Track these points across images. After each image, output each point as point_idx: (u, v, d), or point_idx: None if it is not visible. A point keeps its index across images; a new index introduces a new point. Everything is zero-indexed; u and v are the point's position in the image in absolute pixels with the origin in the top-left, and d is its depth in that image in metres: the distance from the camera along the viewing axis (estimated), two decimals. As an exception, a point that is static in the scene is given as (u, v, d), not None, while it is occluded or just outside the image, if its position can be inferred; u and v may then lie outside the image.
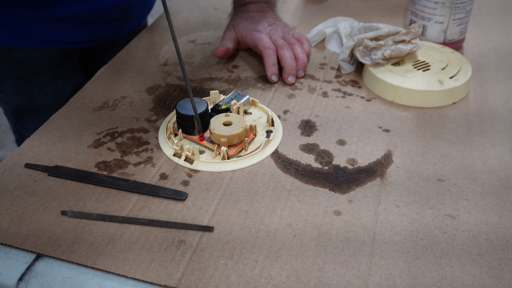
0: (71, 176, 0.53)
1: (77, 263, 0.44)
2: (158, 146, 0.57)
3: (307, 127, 0.61)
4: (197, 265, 0.44)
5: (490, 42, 0.79)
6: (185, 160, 0.55)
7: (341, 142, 0.58)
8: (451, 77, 0.65)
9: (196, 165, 0.54)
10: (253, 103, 0.64)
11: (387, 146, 0.57)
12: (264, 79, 0.70)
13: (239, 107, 0.60)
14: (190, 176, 0.53)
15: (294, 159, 0.56)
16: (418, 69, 0.66)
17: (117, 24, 0.80)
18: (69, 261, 0.44)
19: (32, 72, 0.76)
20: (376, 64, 0.68)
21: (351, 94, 0.67)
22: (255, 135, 0.58)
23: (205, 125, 0.58)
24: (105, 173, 0.53)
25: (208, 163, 0.54)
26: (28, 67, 0.76)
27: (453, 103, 0.65)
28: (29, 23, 0.71)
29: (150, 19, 0.96)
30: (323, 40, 0.79)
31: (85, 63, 0.87)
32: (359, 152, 0.57)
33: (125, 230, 0.47)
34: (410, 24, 0.78)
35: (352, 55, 0.71)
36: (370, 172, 0.54)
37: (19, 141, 0.89)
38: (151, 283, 0.42)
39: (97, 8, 0.73)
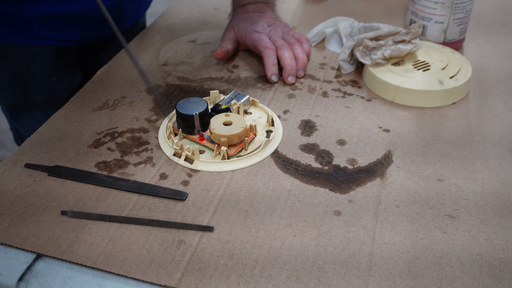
0: (71, 176, 0.53)
1: (77, 263, 0.44)
2: (158, 146, 0.57)
3: (307, 127, 0.61)
4: (197, 265, 0.44)
5: (490, 42, 0.79)
6: (185, 160, 0.55)
7: (341, 142, 0.58)
8: (451, 77, 0.65)
9: (196, 165, 0.54)
10: (253, 103, 0.64)
11: (387, 146, 0.57)
12: (264, 79, 0.70)
13: (239, 107, 0.60)
14: (190, 176, 0.53)
15: (294, 159, 0.56)
16: (418, 69, 0.66)
17: None
18: (69, 261, 0.44)
19: (26, 69, 0.76)
20: (376, 64, 0.68)
21: (351, 94, 0.67)
22: (255, 135, 0.58)
23: (205, 125, 0.58)
24: (105, 173, 0.53)
25: (208, 163, 0.54)
26: (22, 64, 0.76)
27: (453, 103, 0.65)
28: (22, 21, 0.71)
29: (150, 19, 0.96)
30: (323, 40, 0.79)
31: (83, 61, 0.87)
32: (359, 152, 0.57)
33: (125, 230, 0.47)
34: (410, 24, 0.78)
35: (352, 55, 0.71)
36: (370, 172, 0.54)
37: (17, 137, 0.89)
38: (151, 283, 0.42)
39: (87, 8, 0.73)
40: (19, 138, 0.88)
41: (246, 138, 0.56)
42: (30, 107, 0.80)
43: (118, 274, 0.43)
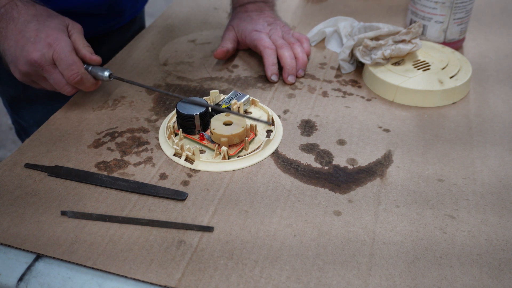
0: (71, 176, 0.53)
1: (77, 263, 0.44)
2: (158, 146, 0.57)
3: (307, 127, 0.61)
4: (197, 265, 0.44)
5: (490, 42, 0.79)
6: (185, 160, 0.55)
7: (341, 142, 0.58)
8: (451, 77, 0.65)
9: (196, 165, 0.54)
10: (253, 103, 0.64)
11: (387, 146, 0.57)
12: (264, 79, 0.70)
13: (239, 107, 0.60)
14: (190, 176, 0.53)
15: (294, 159, 0.56)
16: (418, 69, 0.66)
17: (109, 19, 0.80)
18: (69, 261, 0.44)
19: None
20: (376, 64, 0.68)
21: (351, 94, 0.67)
22: (255, 134, 0.58)
23: (206, 125, 0.58)
24: (105, 173, 0.53)
25: (208, 163, 0.54)
26: None
27: (453, 103, 0.65)
28: None
29: (150, 19, 0.96)
30: (323, 40, 0.79)
31: None
32: (359, 152, 0.57)
33: (125, 230, 0.47)
34: (410, 23, 0.78)
35: (352, 54, 0.70)
36: (370, 172, 0.54)
37: (19, 131, 0.90)
38: (151, 283, 0.42)
39: (84, 3, 0.73)
40: (21, 131, 0.89)
41: (246, 138, 0.56)
42: (30, 100, 0.81)
43: (118, 274, 0.43)
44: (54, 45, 0.56)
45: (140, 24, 0.93)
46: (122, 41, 0.80)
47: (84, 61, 0.60)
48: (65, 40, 0.57)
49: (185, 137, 0.58)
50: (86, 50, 0.60)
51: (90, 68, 0.60)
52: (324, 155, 0.56)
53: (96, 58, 0.60)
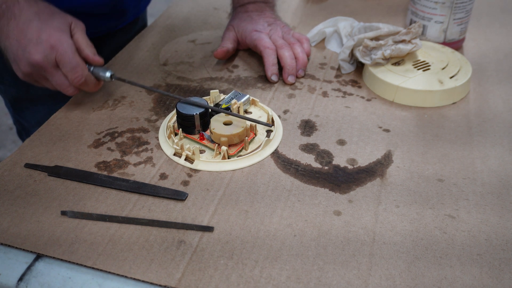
0: (71, 176, 0.53)
1: (77, 263, 0.44)
2: (158, 146, 0.57)
3: (307, 127, 0.61)
4: (197, 265, 0.44)
5: (490, 42, 0.79)
6: (185, 159, 0.55)
7: (341, 142, 0.58)
8: (451, 77, 0.65)
9: (196, 165, 0.54)
10: (253, 103, 0.64)
11: (387, 146, 0.57)
12: (264, 79, 0.70)
13: (239, 107, 0.61)
14: (190, 176, 0.53)
15: (294, 159, 0.56)
16: (418, 69, 0.66)
17: (111, 19, 0.80)
18: (69, 261, 0.44)
19: None
20: (376, 64, 0.68)
21: (351, 94, 0.67)
22: (255, 134, 0.58)
23: (206, 125, 0.58)
24: (105, 173, 0.53)
25: (208, 162, 0.54)
26: None
27: (453, 103, 0.65)
28: None
29: (150, 19, 0.96)
30: (323, 40, 0.79)
31: None
32: (359, 152, 0.57)
33: (125, 230, 0.47)
34: (410, 24, 0.78)
35: (352, 55, 0.70)
36: (370, 172, 0.54)
37: (20, 131, 0.90)
38: (151, 283, 0.42)
39: (86, 3, 0.73)
40: (22, 131, 0.89)
41: (246, 137, 0.56)
42: (32, 100, 0.81)
43: (118, 274, 0.43)
44: (56, 47, 0.56)
45: (142, 24, 0.93)
46: (125, 41, 0.80)
47: (86, 61, 0.59)
48: (68, 42, 0.57)
49: (185, 137, 0.58)
50: (89, 51, 0.59)
51: (92, 69, 0.59)
52: (324, 155, 0.56)
53: (99, 60, 0.59)
